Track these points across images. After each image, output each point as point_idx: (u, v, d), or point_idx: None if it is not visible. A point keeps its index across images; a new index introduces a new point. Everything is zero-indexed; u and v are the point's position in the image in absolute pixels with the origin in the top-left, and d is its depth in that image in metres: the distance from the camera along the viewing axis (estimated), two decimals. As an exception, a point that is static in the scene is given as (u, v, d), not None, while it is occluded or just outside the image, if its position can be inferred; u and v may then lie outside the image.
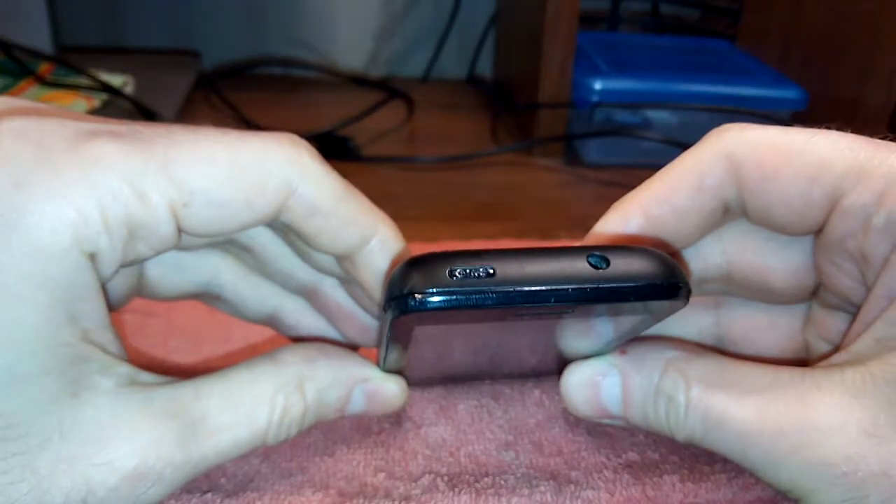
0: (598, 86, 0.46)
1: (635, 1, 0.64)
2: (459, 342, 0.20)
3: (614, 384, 0.19)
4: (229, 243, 0.21)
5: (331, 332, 0.23)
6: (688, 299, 0.17)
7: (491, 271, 0.16)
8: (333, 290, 0.22)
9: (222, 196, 0.17)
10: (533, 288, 0.15)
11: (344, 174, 0.21)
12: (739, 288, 0.22)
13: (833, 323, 0.21)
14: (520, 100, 0.52)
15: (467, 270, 0.16)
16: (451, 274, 0.15)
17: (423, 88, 0.62)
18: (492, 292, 0.15)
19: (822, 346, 0.21)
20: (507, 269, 0.16)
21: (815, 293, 0.21)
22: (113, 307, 0.20)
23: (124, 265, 0.17)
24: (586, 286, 0.16)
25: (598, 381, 0.19)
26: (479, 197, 0.43)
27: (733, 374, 0.18)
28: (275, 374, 0.19)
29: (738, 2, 0.61)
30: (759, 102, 0.48)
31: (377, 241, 0.20)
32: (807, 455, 0.16)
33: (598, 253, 0.16)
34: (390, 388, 0.21)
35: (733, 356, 0.19)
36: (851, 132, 0.19)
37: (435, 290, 0.15)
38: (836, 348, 0.19)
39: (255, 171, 0.17)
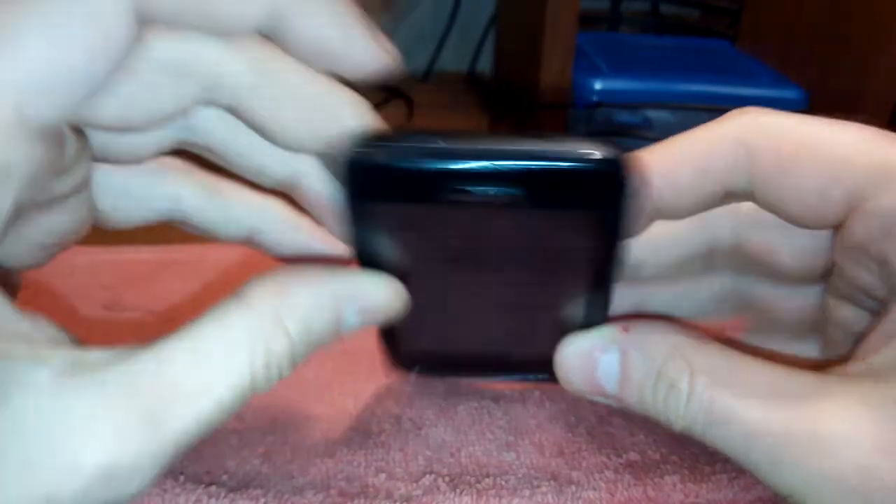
0: (598, 86, 0.46)
1: (635, 1, 0.64)
2: (429, 246, 0.19)
3: (613, 361, 0.18)
4: (186, 145, 0.19)
5: (319, 248, 0.21)
6: (630, 189, 0.16)
7: (438, 142, 0.16)
8: (317, 181, 0.19)
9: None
10: (474, 147, 0.16)
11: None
12: (747, 265, 0.21)
13: (845, 313, 0.20)
14: (520, 100, 0.52)
15: (416, 137, 0.16)
16: (399, 139, 0.16)
17: (423, 88, 0.61)
18: (435, 152, 0.16)
19: (835, 334, 0.21)
20: (454, 139, 0.16)
21: (825, 275, 0.21)
22: (62, 241, 0.18)
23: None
24: (525, 148, 0.16)
25: (596, 356, 0.19)
26: (479, 197, 0.43)
27: (742, 371, 0.17)
28: (246, 317, 0.16)
29: (738, 2, 0.61)
30: (759, 102, 0.47)
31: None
32: (815, 464, 0.15)
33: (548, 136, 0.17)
34: (381, 297, 0.18)
35: (744, 348, 0.18)
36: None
37: (380, 144, 0.16)
38: (846, 356, 0.19)
39: None
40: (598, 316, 0.20)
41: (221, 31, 0.16)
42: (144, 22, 0.15)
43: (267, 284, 0.17)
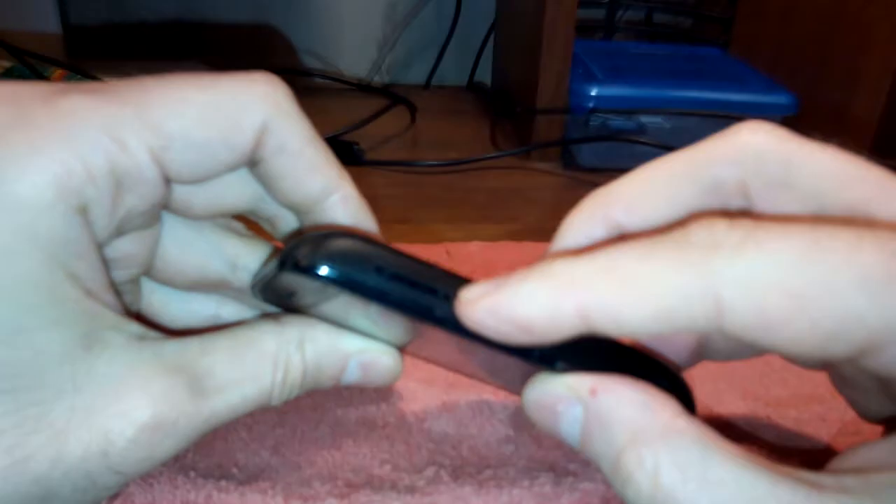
0: (594, 92, 0.47)
1: (630, 10, 0.65)
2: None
3: (574, 422, 0.16)
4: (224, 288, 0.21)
5: None
6: (295, 270, 0.16)
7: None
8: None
9: (200, 136, 0.17)
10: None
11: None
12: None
13: (850, 393, 0.19)
14: (518, 106, 0.53)
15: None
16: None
17: (425, 95, 0.62)
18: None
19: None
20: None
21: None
22: (127, 273, 0.20)
23: (121, 226, 0.17)
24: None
25: (558, 411, 0.17)
26: (479, 199, 0.44)
27: (718, 472, 0.14)
28: (277, 333, 0.19)
29: (730, 10, 0.62)
30: (751, 108, 0.49)
31: (339, 198, 0.20)
32: None
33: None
34: (386, 361, 0.21)
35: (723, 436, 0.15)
36: (840, 140, 0.16)
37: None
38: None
39: (230, 109, 0.18)
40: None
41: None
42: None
43: (299, 317, 0.20)
